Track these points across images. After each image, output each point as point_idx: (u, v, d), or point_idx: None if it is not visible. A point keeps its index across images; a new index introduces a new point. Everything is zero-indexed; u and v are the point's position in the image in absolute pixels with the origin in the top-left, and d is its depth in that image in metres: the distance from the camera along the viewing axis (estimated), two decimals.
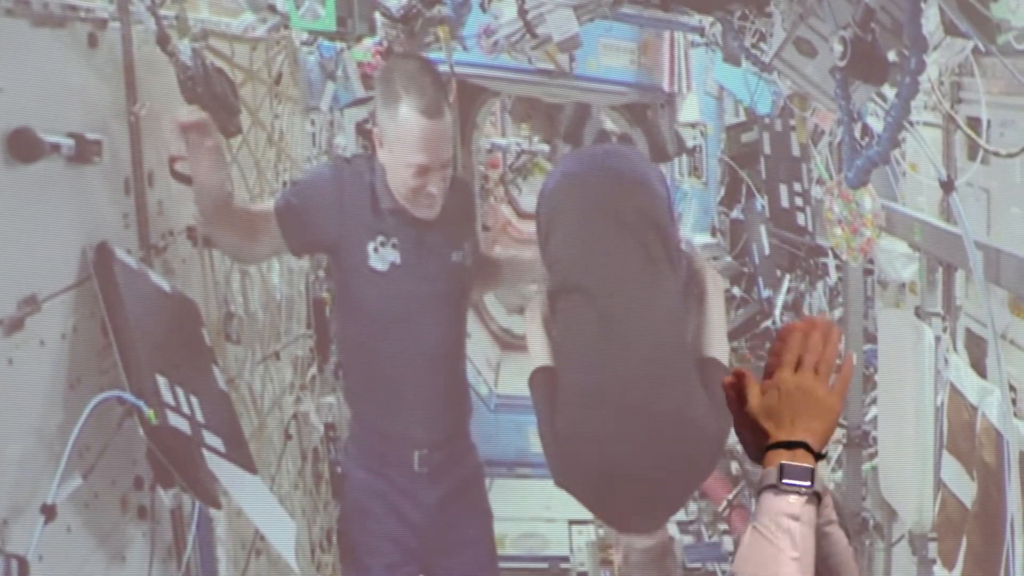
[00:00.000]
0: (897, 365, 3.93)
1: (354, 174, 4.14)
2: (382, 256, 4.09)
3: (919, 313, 3.91)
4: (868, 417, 4.56)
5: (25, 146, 2.58)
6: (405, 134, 3.87)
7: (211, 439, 2.96)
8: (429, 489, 4.26)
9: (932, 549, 3.83)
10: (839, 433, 4.68)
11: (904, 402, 3.86)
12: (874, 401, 4.49)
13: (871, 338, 4.54)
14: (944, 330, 3.79)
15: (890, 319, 4.16)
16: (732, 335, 6.25)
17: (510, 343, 9.03)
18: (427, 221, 4.07)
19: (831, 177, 4.60)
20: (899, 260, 4.11)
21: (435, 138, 3.91)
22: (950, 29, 2.50)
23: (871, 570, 4.62)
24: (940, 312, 3.82)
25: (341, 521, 4.68)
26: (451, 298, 4.23)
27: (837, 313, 5.01)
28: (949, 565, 3.71)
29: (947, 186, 3.18)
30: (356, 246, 4.07)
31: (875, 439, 4.42)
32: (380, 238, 4.08)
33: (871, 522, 4.53)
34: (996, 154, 3.29)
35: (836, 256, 4.79)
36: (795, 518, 1.78)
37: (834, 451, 4.87)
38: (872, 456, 4.50)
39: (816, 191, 5.03)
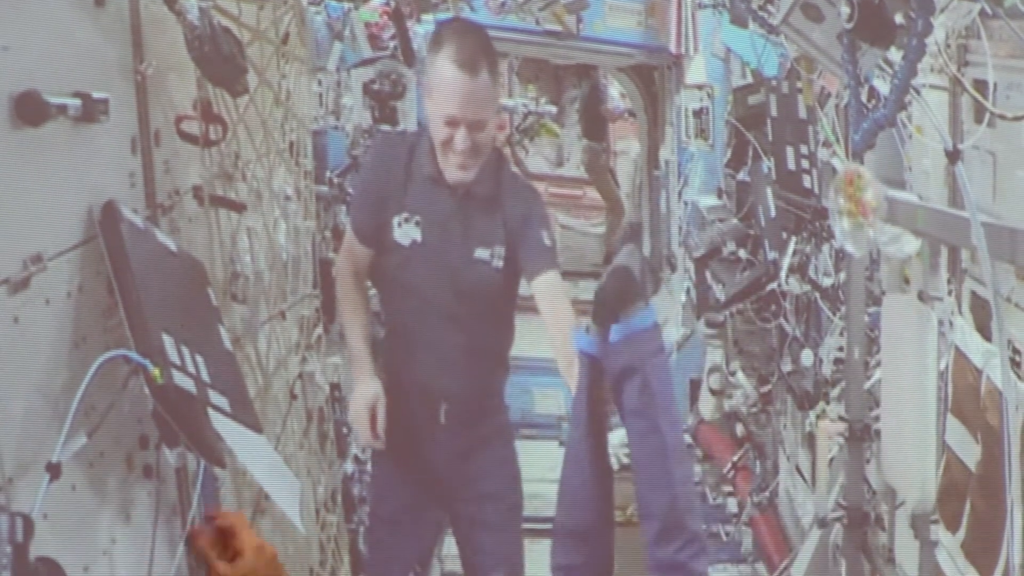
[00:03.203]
0: (900, 350, 3.93)
1: (389, 146, 4.42)
2: (405, 232, 4.16)
3: (923, 297, 3.90)
4: (872, 414, 4.54)
5: (32, 109, 2.57)
6: (439, 82, 3.99)
7: (216, 398, 2.96)
8: (453, 440, 4.34)
9: (935, 531, 3.82)
10: (841, 427, 4.67)
11: (907, 386, 3.86)
12: (878, 364, 4.49)
13: (876, 300, 4.54)
14: (949, 293, 3.79)
15: (894, 304, 4.15)
16: (738, 297, 6.26)
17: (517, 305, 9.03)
18: (456, 202, 4.14)
19: (837, 140, 4.59)
20: (903, 237, 4.10)
21: (466, 92, 3.98)
22: None
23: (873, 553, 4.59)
24: (942, 297, 3.80)
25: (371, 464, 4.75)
26: (475, 289, 4.27)
27: (843, 276, 5.00)
28: (953, 528, 3.72)
29: (952, 156, 3.17)
30: (386, 218, 4.20)
31: (877, 432, 4.41)
32: (404, 214, 4.15)
33: (872, 516, 4.53)
34: (1002, 117, 3.28)
35: None
36: None
37: (835, 446, 4.86)
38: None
39: (823, 153, 5.01)
